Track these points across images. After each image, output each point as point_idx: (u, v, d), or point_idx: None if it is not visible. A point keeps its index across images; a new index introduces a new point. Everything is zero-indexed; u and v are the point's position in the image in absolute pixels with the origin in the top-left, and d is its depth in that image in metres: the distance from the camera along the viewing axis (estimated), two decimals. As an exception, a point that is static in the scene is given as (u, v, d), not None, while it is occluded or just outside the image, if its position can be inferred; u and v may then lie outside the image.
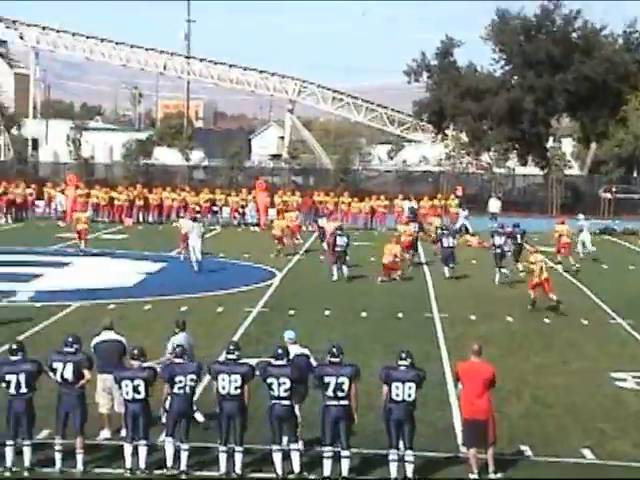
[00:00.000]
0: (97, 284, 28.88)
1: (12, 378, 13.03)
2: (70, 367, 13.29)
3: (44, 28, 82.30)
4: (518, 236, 32.99)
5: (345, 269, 30.54)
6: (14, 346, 13.45)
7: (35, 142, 75.67)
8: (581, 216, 38.41)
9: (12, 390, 13.04)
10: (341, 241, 30.49)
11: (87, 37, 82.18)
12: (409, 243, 33.21)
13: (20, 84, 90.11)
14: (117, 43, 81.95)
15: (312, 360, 14.33)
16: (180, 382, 13.22)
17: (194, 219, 34.36)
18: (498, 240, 30.73)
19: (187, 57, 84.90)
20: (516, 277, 31.05)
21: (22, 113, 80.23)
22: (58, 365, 13.32)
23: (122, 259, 34.99)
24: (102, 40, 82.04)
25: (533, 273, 25.94)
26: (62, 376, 13.29)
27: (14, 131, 73.79)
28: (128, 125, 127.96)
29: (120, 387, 13.27)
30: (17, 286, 27.85)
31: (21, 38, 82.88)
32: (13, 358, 13.27)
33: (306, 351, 14.59)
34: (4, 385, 13.09)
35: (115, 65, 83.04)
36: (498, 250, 30.52)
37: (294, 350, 14.27)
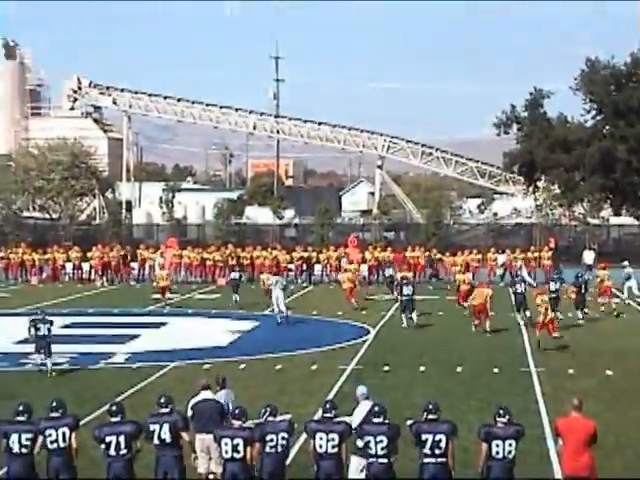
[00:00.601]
0: (192, 344, 29.11)
1: (112, 439, 13.14)
2: (166, 428, 13.36)
3: (136, 93, 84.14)
4: (582, 285, 34.30)
5: (414, 316, 31.99)
6: (113, 407, 13.58)
7: (129, 204, 77.08)
8: (626, 263, 39.82)
9: (112, 451, 13.14)
10: (407, 290, 32.16)
11: (178, 100, 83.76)
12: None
13: (114, 148, 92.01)
14: (207, 105, 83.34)
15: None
16: (272, 441, 13.19)
17: (276, 273, 35.21)
18: (553, 286, 33.13)
19: (276, 116, 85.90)
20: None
21: (116, 176, 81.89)
22: (155, 427, 13.40)
23: (216, 319, 35.26)
24: (193, 103, 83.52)
25: (539, 314, 28.03)
26: (159, 437, 13.36)
27: (108, 194, 75.42)
28: (219, 185, 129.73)
29: (219, 446, 13.30)
30: (114, 348, 28.23)
31: (114, 103, 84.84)
32: (113, 419, 13.39)
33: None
34: (103, 446, 13.20)
35: (206, 126, 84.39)
36: (553, 295, 32.17)
37: (366, 405, 14.21)
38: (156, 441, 13.40)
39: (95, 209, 74.03)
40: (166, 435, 13.36)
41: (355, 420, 14.11)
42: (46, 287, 46.55)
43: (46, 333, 24.68)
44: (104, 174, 78.32)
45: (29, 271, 49.56)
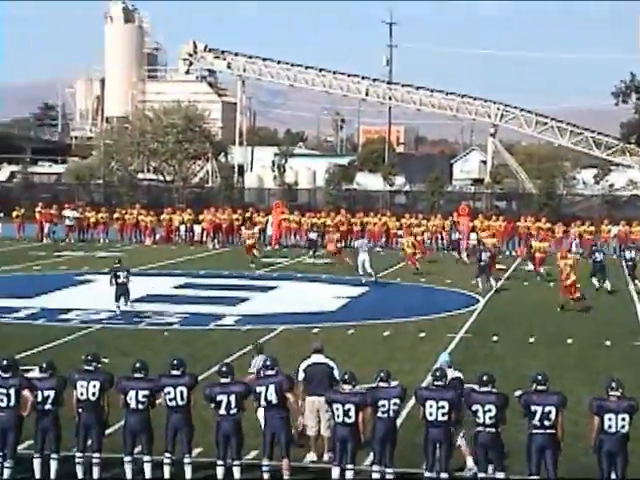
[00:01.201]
0: (302, 308, 29.36)
1: (223, 398, 13.37)
2: (272, 389, 13.52)
3: (250, 57, 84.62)
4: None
5: (492, 282, 33.23)
6: (224, 368, 13.79)
7: (241, 168, 77.76)
8: None
9: (222, 410, 13.37)
10: (484, 257, 33.14)
11: (291, 65, 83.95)
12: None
13: (227, 112, 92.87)
14: (320, 70, 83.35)
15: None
16: (383, 406, 13.25)
17: (362, 236, 38.58)
18: (628, 254, 35.53)
19: (389, 83, 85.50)
20: None
21: (229, 140, 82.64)
22: (261, 389, 13.57)
23: (325, 284, 35.44)
24: (306, 68, 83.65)
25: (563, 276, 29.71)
26: (266, 399, 13.54)
27: (221, 158, 76.21)
28: (330, 151, 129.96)
29: (331, 410, 13.42)
30: (225, 310, 28.64)
31: (229, 67, 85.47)
32: (223, 380, 13.61)
33: (460, 375, 14.53)
34: (214, 405, 13.44)
35: (318, 92, 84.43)
36: (630, 263, 35.01)
37: (449, 374, 14.15)
38: (263, 402, 13.57)
39: (208, 172, 74.90)
40: (272, 396, 13.51)
41: None
42: (159, 248, 47.41)
43: (125, 280, 27.24)
44: (217, 138, 79.14)
45: (143, 232, 50.50)
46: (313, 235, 43.49)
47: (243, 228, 46.23)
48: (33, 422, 13.62)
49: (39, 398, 13.45)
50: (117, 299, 27.30)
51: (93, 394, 13.53)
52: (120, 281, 27.30)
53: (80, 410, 13.59)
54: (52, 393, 13.48)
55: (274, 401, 13.52)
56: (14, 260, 40.53)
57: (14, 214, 50.98)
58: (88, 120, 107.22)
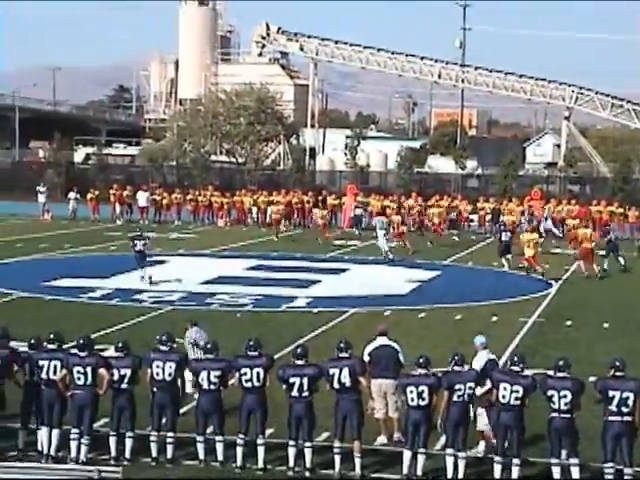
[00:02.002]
0: (372, 291, 29.33)
1: (295, 380, 13.41)
2: (346, 372, 13.52)
3: (323, 39, 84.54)
4: None
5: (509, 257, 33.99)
6: (298, 350, 13.84)
7: (312, 151, 77.78)
8: None
9: (294, 392, 13.42)
10: (505, 236, 34.25)
11: (364, 47, 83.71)
12: None
13: (299, 94, 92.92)
14: (393, 53, 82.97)
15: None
16: (459, 390, 13.19)
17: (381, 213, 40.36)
18: None
19: (462, 65, 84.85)
20: None
21: (300, 123, 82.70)
22: (334, 370, 13.57)
23: (396, 267, 35.35)
24: (378, 50, 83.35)
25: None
26: (339, 381, 13.54)
27: (293, 140, 76.31)
28: (402, 134, 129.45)
29: (404, 393, 13.38)
30: (297, 292, 28.73)
31: (301, 50, 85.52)
32: (298, 362, 13.65)
33: (494, 357, 14.57)
34: (286, 387, 13.49)
35: (390, 74, 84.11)
36: None
37: (484, 356, 14.26)
38: (336, 385, 13.57)
39: (279, 155, 75.09)
40: (346, 379, 13.52)
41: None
42: (232, 229, 47.66)
43: (141, 248, 29.20)
44: (289, 120, 79.23)
45: (216, 213, 50.77)
46: (358, 211, 45.84)
47: (315, 210, 46.39)
48: (109, 400, 13.82)
49: (115, 377, 13.64)
50: (141, 266, 29.31)
51: (169, 374, 13.69)
52: (138, 249, 29.19)
53: (155, 389, 13.75)
54: (128, 372, 13.67)
55: (347, 384, 13.52)
56: (89, 241, 41.06)
57: (89, 196, 51.61)
58: (162, 102, 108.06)
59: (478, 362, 14.25)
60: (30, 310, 24.59)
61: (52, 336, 14.06)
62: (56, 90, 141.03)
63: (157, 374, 13.71)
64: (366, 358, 14.75)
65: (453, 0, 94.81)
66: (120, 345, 14.03)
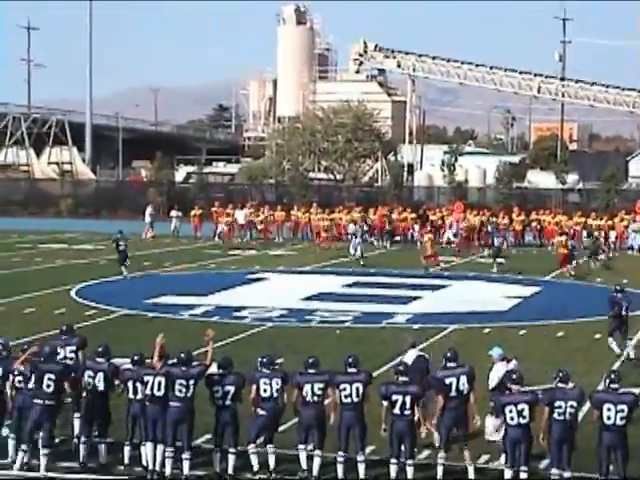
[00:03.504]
0: (473, 307, 29.11)
1: (398, 398, 13.37)
2: (464, 379, 13.65)
3: (420, 55, 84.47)
4: None
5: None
6: (401, 367, 13.79)
7: (410, 167, 77.66)
8: None
9: (396, 410, 13.36)
10: (497, 241, 37.59)
11: (462, 63, 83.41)
12: None
13: (397, 111, 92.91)
14: (491, 68, 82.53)
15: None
16: (560, 407, 13.01)
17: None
18: None
19: (562, 79, 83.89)
20: None
21: (398, 139, 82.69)
22: (451, 379, 13.63)
23: (497, 283, 35.05)
24: (476, 65, 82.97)
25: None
26: (458, 389, 13.60)
27: (390, 156, 76.31)
28: (500, 149, 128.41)
29: (503, 414, 13.26)
30: (396, 308, 28.67)
31: (398, 66, 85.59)
32: (401, 379, 13.62)
33: (513, 366, 14.64)
34: (387, 404, 13.44)
35: (488, 89, 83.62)
36: None
37: (501, 367, 14.50)
38: (454, 393, 13.55)
39: (377, 171, 75.12)
40: (464, 387, 13.57)
41: (492, 382, 14.65)
42: (330, 246, 47.70)
43: (124, 248, 33.81)
44: (387, 136, 79.28)
45: (315, 231, 50.91)
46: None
47: (416, 226, 46.25)
48: (211, 416, 13.97)
49: (219, 394, 13.79)
50: (120, 264, 33.91)
51: (276, 390, 13.80)
52: (121, 249, 33.85)
53: (260, 409, 13.84)
54: (232, 389, 13.81)
55: (465, 391, 13.57)
56: (190, 258, 41.58)
57: (192, 213, 52.25)
58: (261, 121, 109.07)
59: (496, 374, 14.57)
60: (133, 327, 25.02)
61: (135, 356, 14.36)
62: (158, 110, 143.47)
63: (265, 391, 13.84)
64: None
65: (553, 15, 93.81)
66: (223, 362, 14.17)
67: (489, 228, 43.99)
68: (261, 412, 13.81)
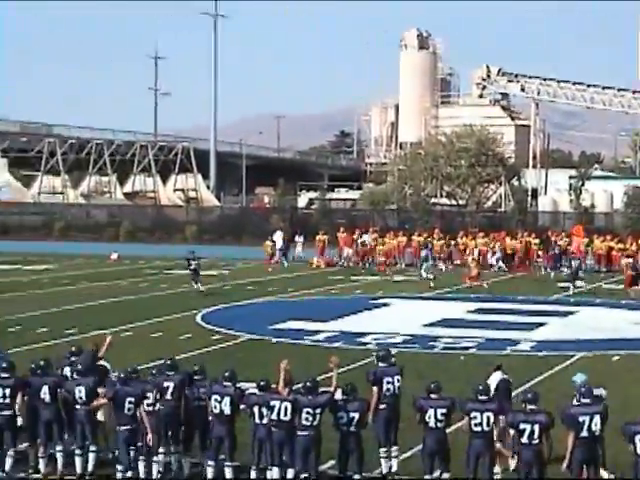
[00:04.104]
0: (600, 334, 28.50)
1: (527, 427, 13.00)
2: (597, 419, 13.24)
3: (545, 79, 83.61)
4: None
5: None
6: (529, 395, 13.44)
7: (534, 192, 76.74)
8: None
9: (525, 439, 12.96)
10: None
11: (588, 86, 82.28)
12: None
13: (520, 135, 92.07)
14: (619, 90, 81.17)
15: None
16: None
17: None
18: None
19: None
20: None
21: (522, 163, 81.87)
22: (585, 418, 13.22)
23: (625, 309, 34.28)
24: (603, 88, 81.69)
25: None
26: (590, 429, 13.21)
27: (514, 181, 75.54)
28: (628, 172, 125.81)
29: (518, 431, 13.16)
30: (521, 335, 28.25)
31: (522, 90, 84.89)
32: (530, 407, 13.32)
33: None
34: (515, 433, 13.22)
35: (616, 112, 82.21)
36: None
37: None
38: (585, 433, 13.14)
39: (501, 196, 74.45)
40: (596, 427, 13.14)
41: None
42: (452, 272, 47.27)
43: (196, 267, 37.10)
44: (510, 161, 78.57)
45: (438, 256, 50.44)
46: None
47: (540, 252, 45.66)
48: (334, 442, 13.96)
49: (344, 420, 13.80)
50: (194, 283, 37.08)
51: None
52: (192, 267, 37.09)
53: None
54: (357, 415, 13.83)
55: (597, 432, 13.20)
56: (313, 284, 41.79)
57: (317, 237, 52.44)
58: (382, 146, 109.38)
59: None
60: (258, 352, 25.20)
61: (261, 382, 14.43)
62: (280, 136, 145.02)
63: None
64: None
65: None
66: (347, 388, 14.16)
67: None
68: None
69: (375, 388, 14.82)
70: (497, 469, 14.15)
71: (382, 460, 14.66)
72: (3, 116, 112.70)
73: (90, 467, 14.66)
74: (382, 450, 14.68)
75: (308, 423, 13.74)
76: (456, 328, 29.42)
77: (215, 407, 14.31)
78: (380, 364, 15.23)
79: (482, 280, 39.80)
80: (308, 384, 14.02)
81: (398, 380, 14.98)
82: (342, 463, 13.86)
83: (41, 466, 14.85)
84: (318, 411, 13.76)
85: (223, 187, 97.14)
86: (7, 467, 14.80)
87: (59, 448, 14.77)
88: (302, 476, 13.78)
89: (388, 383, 14.87)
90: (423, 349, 26.00)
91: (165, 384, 14.80)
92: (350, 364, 23.27)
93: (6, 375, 14.96)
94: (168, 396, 14.74)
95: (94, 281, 41.01)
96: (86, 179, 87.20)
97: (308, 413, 13.75)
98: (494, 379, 15.42)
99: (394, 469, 14.76)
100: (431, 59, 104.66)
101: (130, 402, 14.35)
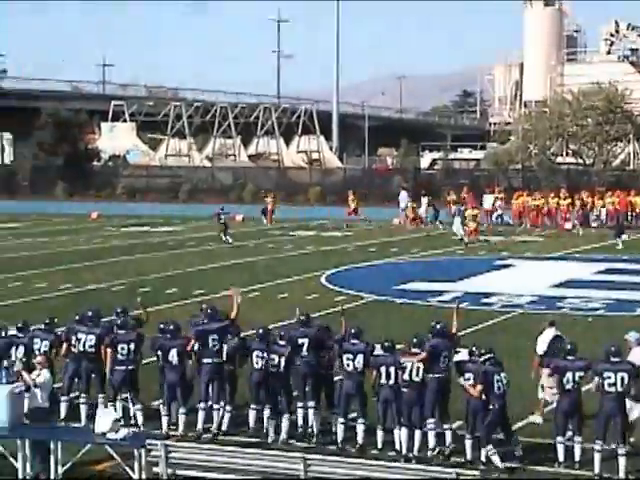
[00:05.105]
0: None
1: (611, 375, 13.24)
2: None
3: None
4: None
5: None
6: (613, 349, 13.53)
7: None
8: None
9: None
10: None
11: None
12: None
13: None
14: None
15: None
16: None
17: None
18: None
19: None
20: None
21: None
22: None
23: None
24: None
25: None
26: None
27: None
28: None
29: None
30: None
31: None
32: (613, 359, 13.41)
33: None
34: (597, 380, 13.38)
35: None
36: None
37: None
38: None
39: (629, 154, 72.70)
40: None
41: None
42: (576, 233, 46.46)
43: (225, 220, 41.44)
44: (639, 118, 76.58)
45: (563, 216, 49.67)
46: None
47: None
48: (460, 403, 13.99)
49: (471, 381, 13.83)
50: (224, 235, 40.66)
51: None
52: (222, 221, 41.05)
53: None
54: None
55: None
56: (438, 244, 41.65)
57: (448, 198, 51.79)
58: (506, 105, 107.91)
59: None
60: (381, 313, 25.29)
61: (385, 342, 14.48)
62: (402, 97, 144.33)
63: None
64: (543, 348, 15.15)
65: None
66: (475, 349, 14.15)
67: None
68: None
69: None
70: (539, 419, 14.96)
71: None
72: (131, 81, 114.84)
73: (225, 426, 14.94)
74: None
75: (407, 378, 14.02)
76: (583, 289, 29.00)
77: (347, 365, 14.44)
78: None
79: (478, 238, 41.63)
80: (414, 340, 14.30)
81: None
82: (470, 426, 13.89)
83: (164, 424, 15.08)
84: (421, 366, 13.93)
85: (346, 149, 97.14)
86: (139, 421, 15.21)
87: (182, 411, 14.92)
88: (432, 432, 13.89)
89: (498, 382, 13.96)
90: (549, 310, 25.67)
91: (300, 341, 14.95)
92: (476, 324, 23.18)
93: (124, 332, 15.28)
94: (304, 352, 14.89)
95: (220, 243, 41.62)
96: (211, 142, 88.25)
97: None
98: (547, 335, 15.38)
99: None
100: (557, 15, 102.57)
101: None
